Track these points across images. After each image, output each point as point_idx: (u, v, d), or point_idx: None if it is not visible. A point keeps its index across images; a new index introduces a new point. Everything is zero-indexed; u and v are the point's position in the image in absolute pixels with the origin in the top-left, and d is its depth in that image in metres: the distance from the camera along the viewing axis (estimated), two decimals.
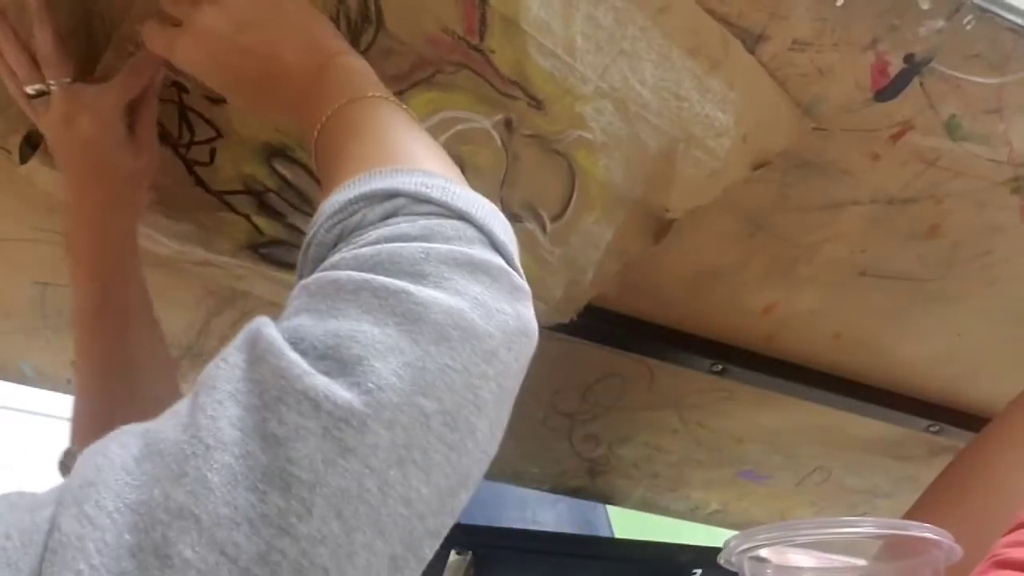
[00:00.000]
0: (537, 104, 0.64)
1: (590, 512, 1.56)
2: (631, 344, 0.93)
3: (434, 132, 0.64)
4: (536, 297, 0.41)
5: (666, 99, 0.63)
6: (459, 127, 0.66)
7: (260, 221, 0.72)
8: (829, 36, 0.59)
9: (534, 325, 0.39)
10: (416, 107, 0.61)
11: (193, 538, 0.29)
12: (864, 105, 0.64)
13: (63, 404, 0.75)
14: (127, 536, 0.29)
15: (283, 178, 0.69)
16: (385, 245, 0.37)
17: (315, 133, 0.48)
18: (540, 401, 1.03)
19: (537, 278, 0.75)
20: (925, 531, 0.56)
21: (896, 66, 0.61)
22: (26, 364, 0.92)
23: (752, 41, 0.60)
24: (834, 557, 0.69)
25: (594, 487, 1.21)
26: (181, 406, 0.34)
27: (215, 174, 0.69)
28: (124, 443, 0.32)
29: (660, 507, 1.28)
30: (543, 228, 0.73)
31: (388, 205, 0.40)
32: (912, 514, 0.72)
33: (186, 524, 0.29)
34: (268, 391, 0.32)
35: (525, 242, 0.73)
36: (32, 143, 0.65)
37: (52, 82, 0.59)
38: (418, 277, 0.36)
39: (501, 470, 1.15)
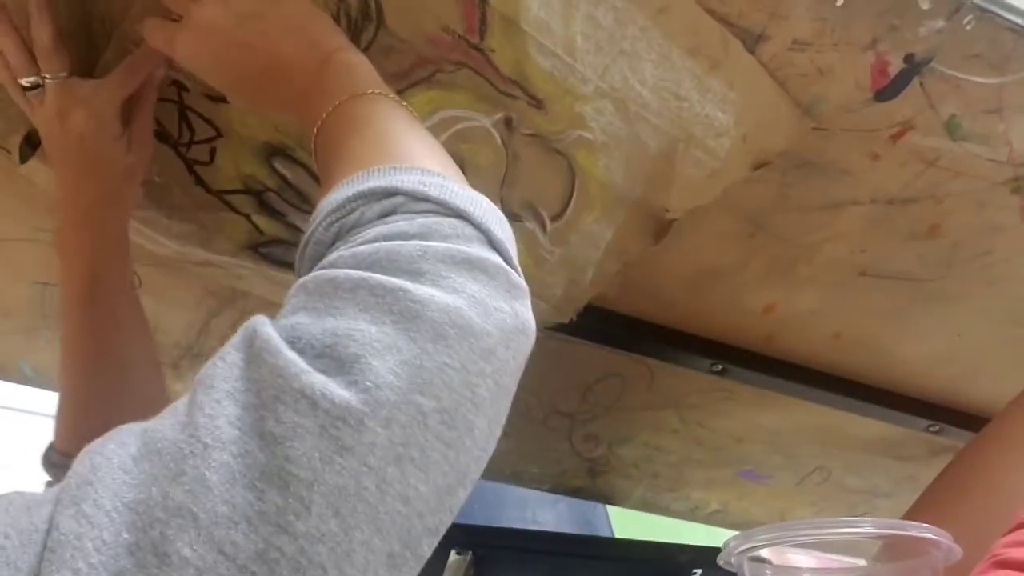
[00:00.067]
0: (537, 103, 0.64)
1: (590, 512, 1.55)
2: (631, 344, 0.93)
3: (434, 131, 0.64)
4: (536, 296, 0.41)
5: (666, 99, 0.63)
6: (459, 126, 0.66)
7: (260, 220, 0.72)
8: (829, 36, 0.59)
9: (532, 323, 0.39)
10: (416, 106, 0.61)
11: (191, 536, 0.29)
12: (864, 105, 0.64)
13: None
14: (125, 534, 0.29)
15: (283, 177, 0.69)
16: (383, 243, 0.37)
17: (315, 130, 0.48)
18: (540, 401, 1.03)
19: (537, 277, 0.75)
20: (924, 531, 0.56)
21: (896, 66, 0.61)
22: (26, 364, 0.92)
23: (752, 41, 0.60)
24: (834, 557, 0.69)
25: (594, 487, 1.21)
26: (179, 405, 0.34)
27: (215, 173, 0.69)
28: (122, 442, 0.32)
29: (660, 507, 1.28)
30: (543, 227, 0.73)
31: (386, 203, 0.40)
32: (912, 514, 0.72)
33: (184, 522, 0.29)
34: (266, 390, 0.32)
35: (525, 241, 0.73)
36: (32, 143, 0.65)
37: (47, 75, 0.58)
38: (416, 275, 0.36)
39: (501, 470, 1.15)
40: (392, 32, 0.60)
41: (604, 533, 1.59)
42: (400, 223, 0.39)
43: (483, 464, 0.36)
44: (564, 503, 1.49)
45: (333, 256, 0.38)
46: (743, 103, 0.63)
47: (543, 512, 1.49)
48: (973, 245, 0.77)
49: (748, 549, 0.58)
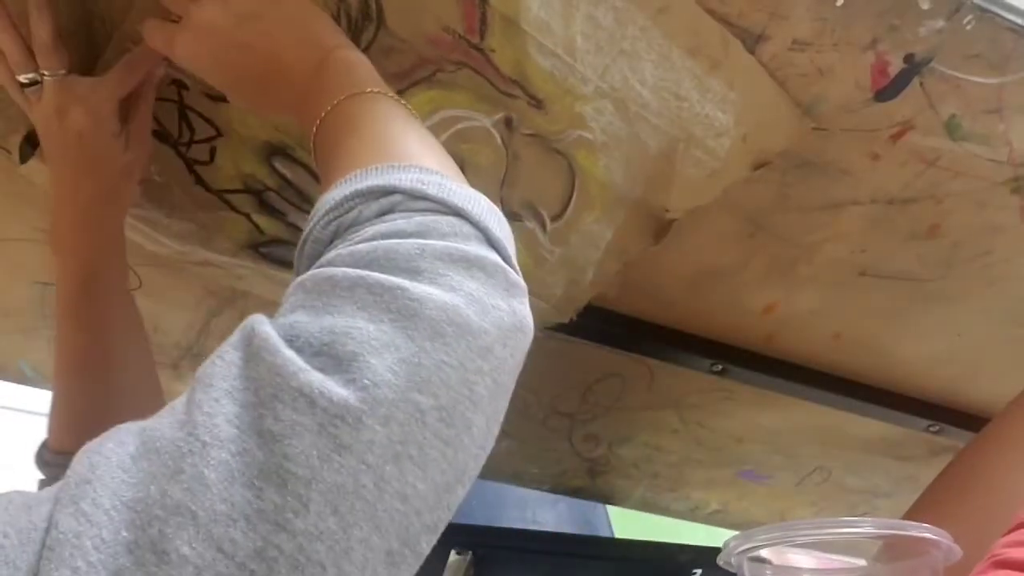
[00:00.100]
0: (537, 103, 0.64)
1: (590, 512, 1.55)
2: (631, 344, 0.93)
3: (435, 130, 0.64)
4: (536, 296, 0.41)
5: (666, 99, 0.63)
6: (459, 126, 0.66)
7: (260, 220, 0.72)
8: (829, 36, 0.59)
9: (530, 321, 0.39)
10: (417, 105, 0.61)
11: (190, 534, 0.29)
12: (864, 105, 0.64)
13: None
14: (124, 533, 0.29)
15: (283, 177, 0.69)
16: (381, 242, 0.37)
17: (314, 129, 0.48)
18: (540, 401, 1.03)
19: (537, 277, 0.75)
20: (924, 531, 0.56)
21: (896, 66, 0.61)
22: (26, 364, 0.92)
23: (752, 41, 0.60)
24: (834, 557, 0.69)
25: (594, 487, 1.21)
26: (177, 403, 0.34)
27: (215, 173, 0.69)
28: (121, 441, 0.32)
29: (660, 507, 1.28)
30: (543, 227, 0.73)
31: (384, 202, 0.40)
32: (912, 514, 0.72)
33: (183, 520, 0.29)
34: (264, 388, 0.32)
35: (525, 241, 0.73)
36: (32, 142, 0.65)
37: (46, 72, 0.58)
38: (413, 273, 0.36)
39: (501, 470, 1.15)
40: (392, 32, 0.60)
41: (604, 533, 1.59)
42: (398, 221, 0.39)
43: (481, 462, 0.36)
44: (564, 503, 1.49)
45: (331, 254, 0.38)
46: (743, 103, 0.63)
47: (543, 512, 1.49)
48: (973, 245, 0.77)
49: (748, 549, 0.58)
